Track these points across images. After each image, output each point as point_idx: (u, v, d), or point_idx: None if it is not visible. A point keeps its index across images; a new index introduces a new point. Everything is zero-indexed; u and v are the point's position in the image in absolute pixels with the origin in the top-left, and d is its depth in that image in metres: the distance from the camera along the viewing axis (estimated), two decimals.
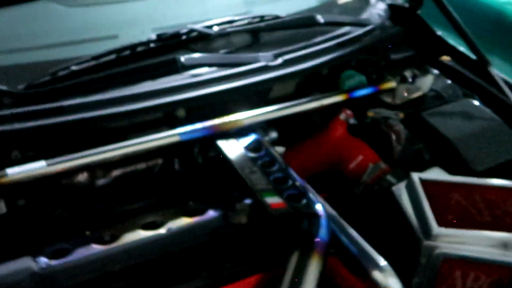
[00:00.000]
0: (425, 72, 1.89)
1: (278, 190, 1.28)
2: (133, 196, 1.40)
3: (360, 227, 1.31)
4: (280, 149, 1.55)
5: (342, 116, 1.66)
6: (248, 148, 1.42)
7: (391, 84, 1.73)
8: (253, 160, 1.37)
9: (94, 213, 1.35)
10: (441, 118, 1.66)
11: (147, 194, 1.42)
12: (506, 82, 1.78)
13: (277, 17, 1.82)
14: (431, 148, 1.63)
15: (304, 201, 1.26)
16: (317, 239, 1.18)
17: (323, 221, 1.22)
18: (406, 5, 2.01)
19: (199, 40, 1.66)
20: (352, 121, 1.67)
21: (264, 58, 1.64)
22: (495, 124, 1.66)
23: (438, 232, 1.28)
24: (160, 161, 1.46)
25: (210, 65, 1.59)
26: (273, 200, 1.24)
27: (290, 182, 1.32)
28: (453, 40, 2.00)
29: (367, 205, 1.50)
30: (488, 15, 3.14)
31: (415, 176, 1.44)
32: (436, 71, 1.93)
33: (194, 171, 1.48)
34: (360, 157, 1.60)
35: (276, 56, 1.66)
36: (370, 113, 1.69)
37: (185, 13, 1.97)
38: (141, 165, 1.44)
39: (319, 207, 1.26)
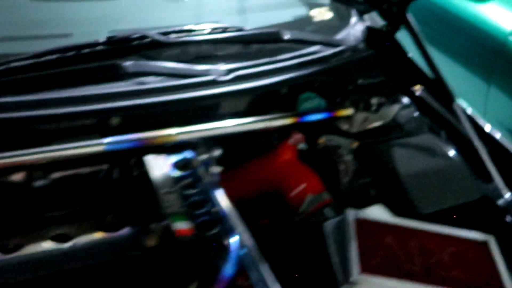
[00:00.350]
0: (393, 101, 1.80)
1: (190, 215, 1.20)
2: (51, 204, 1.35)
3: (285, 261, 1.23)
4: (217, 168, 1.47)
5: (291, 141, 1.58)
6: (176, 165, 1.35)
7: (348, 111, 1.64)
8: (176, 179, 1.30)
9: (6, 219, 1.29)
10: (394, 152, 1.57)
11: (68, 203, 1.37)
12: (472, 120, 1.67)
13: (240, 29, 1.75)
14: (378, 183, 1.54)
15: (216, 229, 1.18)
16: (220, 273, 1.10)
17: (231, 254, 1.14)
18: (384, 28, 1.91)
19: (152, 47, 1.60)
20: (302, 146, 1.58)
21: (215, 72, 1.57)
22: (452, 164, 1.56)
23: (358, 278, 1.20)
24: (87, 170, 1.40)
25: (156, 74, 1.53)
26: (181, 226, 1.17)
27: (208, 207, 1.24)
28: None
29: (298, 238, 1.42)
30: (492, 45, 3.01)
31: (350, 214, 1.35)
32: (407, 100, 1.84)
33: (127, 183, 1.42)
34: (302, 186, 1.51)
35: (230, 71, 1.59)
36: (322, 140, 1.60)
37: (153, 17, 1.92)
38: (65, 173, 1.38)
39: (233, 239, 1.18)
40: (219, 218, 1.23)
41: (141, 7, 1.95)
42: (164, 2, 2.03)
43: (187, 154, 1.40)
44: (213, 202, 1.27)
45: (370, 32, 1.92)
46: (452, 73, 3.38)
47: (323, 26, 2.02)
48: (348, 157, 1.55)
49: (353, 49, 1.83)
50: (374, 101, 1.76)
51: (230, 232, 1.20)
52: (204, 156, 1.48)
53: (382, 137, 1.66)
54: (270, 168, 1.56)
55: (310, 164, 1.60)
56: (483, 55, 3.06)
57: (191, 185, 1.29)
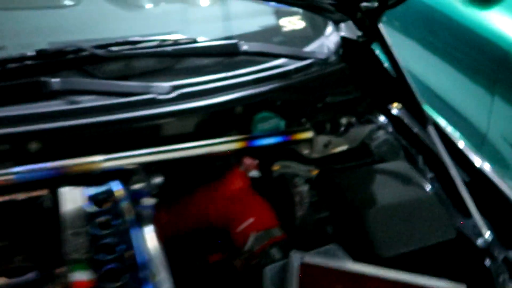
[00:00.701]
0: (366, 121, 1.60)
1: (95, 262, 1.03)
2: None
3: None
4: (150, 201, 1.30)
5: (242, 167, 1.40)
6: (93, 199, 1.18)
7: (307, 134, 1.45)
8: (89, 216, 1.13)
9: None
10: (357, 182, 1.37)
11: None
12: (451, 145, 1.47)
13: (194, 41, 1.57)
14: (336, 219, 1.35)
15: (123, 280, 1.01)
16: None
17: None
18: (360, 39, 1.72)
19: (90, 61, 1.44)
20: (254, 173, 1.40)
21: (157, 89, 1.40)
22: (424, 197, 1.36)
23: None
24: None
25: (88, 92, 1.36)
26: (81, 276, 1.00)
27: (121, 251, 1.07)
28: None
29: (237, 284, 1.24)
30: (496, 53, 2.79)
31: (295, 257, 1.17)
32: (383, 120, 1.64)
33: (39, 220, 1.25)
34: (250, 220, 1.33)
35: (174, 88, 1.42)
36: (276, 167, 1.41)
37: (104, 27, 1.76)
38: None
39: None
40: (134, 264, 1.05)
41: (92, 16, 1.79)
42: (120, 10, 1.88)
43: (113, 185, 1.23)
44: (130, 244, 1.09)
45: (344, 43, 1.73)
46: (455, 83, 3.20)
47: (293, 37, 1.83)
48: (304, 187, 1.36)
49: (323, 62, 1.64)
50: (344, 121, 1.58)
51: (144, 282, 1.02)
52: (139, 186, 1.31)
53: (347, 163, 1.46)
54: (216, 199, 1.38)
55: (265, 194, 1.43)
56: (486, 65, 2.83)
57: (105, 223, 1.11)
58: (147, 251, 1.12)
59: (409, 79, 1.50)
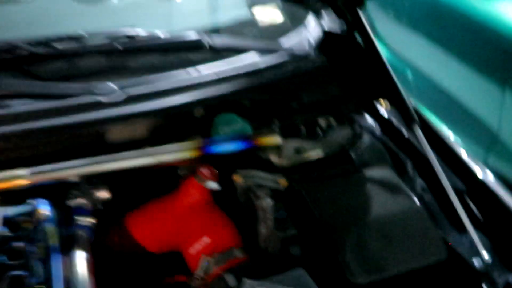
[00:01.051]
0: (348, 122, 1.40)
1: None
2: None
3: None
4: (88, 220, 1.12)
5: (198, 178, 1.21)
6: (10, 221, 1.00)
7: (274, 138, 1.25)
8: (0, 242, 0.95)
9: None
10: (329, 195, 1.17)
11: None
12: (444, 146, 1.26)
13: (152, 36, 1.39)
14: (304, 238, 1.15)
15: None
16: None
17: None
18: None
19: (27, 60, 1.27)
20: (212, 185, 1.21)
21: (101, 90, 1.22)
22: (409, 212, 1.15)
23: None
24: None
25: (17, 95, 1.19)
26: None
27: (31, 285, 0.89)
28: None
29: None
30: (507, 48, 2.56)
31: (246, 287, 0.97)
32: (369, 121, 1.44)
33: None
34: (205, 239, 1.14)
35: (123, 89, 1.24)
36: (237, 177, 1.22)
37: (58, 22, 1.59)
38: None
39: None
40: None
41: (51, 12, 1.62)
42: (82, 5, 1.71)
43: (39, 203, 1.05)
44: (47, 276, 0.92)
45: (326, 35, 1.53)
46: (464, 79, 2.98)
47: (269, 29, 1.64)
48: (268, 201, 1.17)
49: (301, 56, 1.45)
50: (322, 123, 1.38)
51: None
52: (77, 202, 1.14)
53: (323, 172, 1.26)
54: (168, 215, 1.20)
55: (227, 209, 1.24)
56: (498, 60, 2.61)
57: (17, 251, 0.94)
58: (72, 283, 0.95)
59: (393, 74, 1.29)
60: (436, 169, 1.16)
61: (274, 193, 1.20)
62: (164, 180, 1.27)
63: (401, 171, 1.30)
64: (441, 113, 2.62)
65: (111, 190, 1.18)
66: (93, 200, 1.17)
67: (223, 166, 1.26)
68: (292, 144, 1.26)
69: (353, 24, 1.42)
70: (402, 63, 3.22)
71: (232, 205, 1.25)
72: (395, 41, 3.31)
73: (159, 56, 1.38)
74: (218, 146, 1.21)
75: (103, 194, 1.18)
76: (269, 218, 1.16)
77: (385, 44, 3.26)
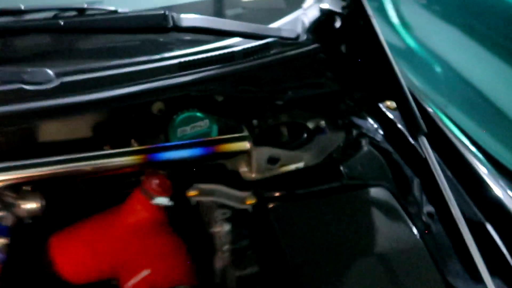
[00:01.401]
0: (342, 125, 1.13)
1: None
2: None
3: None
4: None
5: (144, 191, 0.96)
6: None
7: (242, 144, 0.99)
8: None
9: None
10: (305, 223, 0.91)
11: None
12: (461, 161, 0.99)
13: (108, 12, 1.15)
14: (268, 276, 0.89)
15: None
16: None
17: None
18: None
19: None
20: (161, 200, 0.96)
21: (31, 76, 0.99)
22: (407, 248, 0.88)
23: None
24: None
25: None
26: None
27: None
28: None
29: None
30: None
31: None
32: (370, 124, 1.17)
33: None
34: (145, 273, 0.90)
35: (59, 76, 1.00)
36: (192, 193, 0.97)
37: None
38: None
39: None
40: None
41: None
42: None
43: None
44: None
45: (325, 19, 1.25)
46: (503, 78, 2.66)
47: (258, 9, 1.37)
48: (225, 227, 0.92)
49: (289, 42, 1.19)
50: (310, 124, 1.12)
51: None
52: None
53: (301, 189, 1.00)
54: (103, 238, 0.96)
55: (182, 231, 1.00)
56: None
57: None
58: None
59: (398, 70, 1.02)
60: (444, 193, 0.89)
61: (238, 216, 0.95)
62: (108, 192, 1.03)
63: (404, 191, 1.03)
64: (471, 112, 2.34)
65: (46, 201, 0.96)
66: (17, 212, 0.95)
67: (180, 176, 1.01)
68: (266, 151, 1.01)
69: (352, 8, 1.16)
70: (430, 54, 2.93)
71: (193, 227, 1.01)
72: (424, 31, 3.01)
73: (112, 37, 1.14)
74: (171, 152, 0.96)
75: (33, 205, 0.96)
76: (226, 250, 0.91)
77: (412, 34, 2.96)
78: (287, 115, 1.14)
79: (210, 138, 1.00)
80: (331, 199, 0.96)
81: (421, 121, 0.94)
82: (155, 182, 0.97)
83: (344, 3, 1.20)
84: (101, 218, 0.98)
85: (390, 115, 1.17)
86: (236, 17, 1.33)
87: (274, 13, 1.33)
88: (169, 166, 0.97)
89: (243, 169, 1.01)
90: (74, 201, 1.02)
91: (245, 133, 1.00)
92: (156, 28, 1.11)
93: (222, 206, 0.95)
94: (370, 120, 1.19)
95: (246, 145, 0.99)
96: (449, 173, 1.03)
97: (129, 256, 0.93)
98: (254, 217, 0.95)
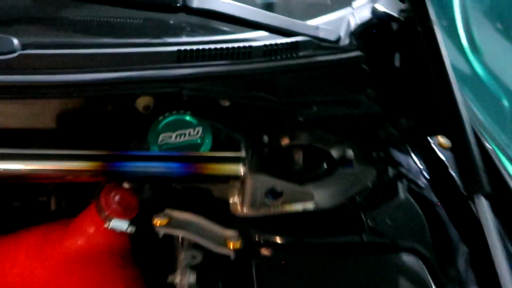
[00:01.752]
0: (377, 159, 0.87)
1: None
2: None
3: None
4: None
5: (99, 210, 0.74)
6: None
7: (234, 168, 0.75)
8: None
9: None
10: (299, 286, 0.66)
11: None
12: None
13: None
14: None
15: None
16: None
17: None
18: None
19: None
20: (119, 225, 0.73)
21: None
22: None
23: None
24: None
25: None
26: None
27: None
28: None
29: None
30: None
31: None
32: (412, 162, 0.91)
33: None
34: None
35: (25, 47, 0.79)
36: (159, 221, 0.73)
37: None
38: None
39: None
40: None
41: None
42: None
43: None
44: None
45: (377, 21, 0.99)
46: None
47: (298, 0, 1.13)
48: (190, 280, 0.68)
49: (327, 44, 0.94)
50: (335, 153, 0.86)
51: None
52: None
53: (305, 239, 0.74)
54: (46, 261, 0.74)
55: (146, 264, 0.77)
56: None
57: None
58: None
59: (461, 99, 0.76)
60: (500, 273, 0.63)
61: (211, 263, 0.70)
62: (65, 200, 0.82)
63: (445, 262, 0.76)
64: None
65: None
66: None
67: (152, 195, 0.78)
68: (266, 181, 0.76)
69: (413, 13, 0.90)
70: (500, 85, 2.60)
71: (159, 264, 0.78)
72: (496, 59, 2.69)
73: (101, 10, 0.92)
74: (139, 163, 0.73)
75: None
76: None
77: (482, 60, 2.64)
78: (306, 135, 0.89)
79: (194, 153, 0.76)
80: (343, 261, 0.70)
81: (484, 177, 0.67)
82: (115, 198, 0.74)
83: (403, 6, 0.95)
84: (41, 234, 0.76)
85: (442, 156, 0.90)
86: (268, 7, 1.10)
87: (317, 8, 1.10)
88: (136, 180, 0.74)
89: (234, 200, 0.77)
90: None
91: (241, 153, 0.76)
92: (161, 5, 0.89)
93: (195, 246, 0.71)
94: (414, 158, 0.92)
95: (239, 169, 0.74)
96: (511, 248, 0.76)
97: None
98: (235, 268, 0.70)
